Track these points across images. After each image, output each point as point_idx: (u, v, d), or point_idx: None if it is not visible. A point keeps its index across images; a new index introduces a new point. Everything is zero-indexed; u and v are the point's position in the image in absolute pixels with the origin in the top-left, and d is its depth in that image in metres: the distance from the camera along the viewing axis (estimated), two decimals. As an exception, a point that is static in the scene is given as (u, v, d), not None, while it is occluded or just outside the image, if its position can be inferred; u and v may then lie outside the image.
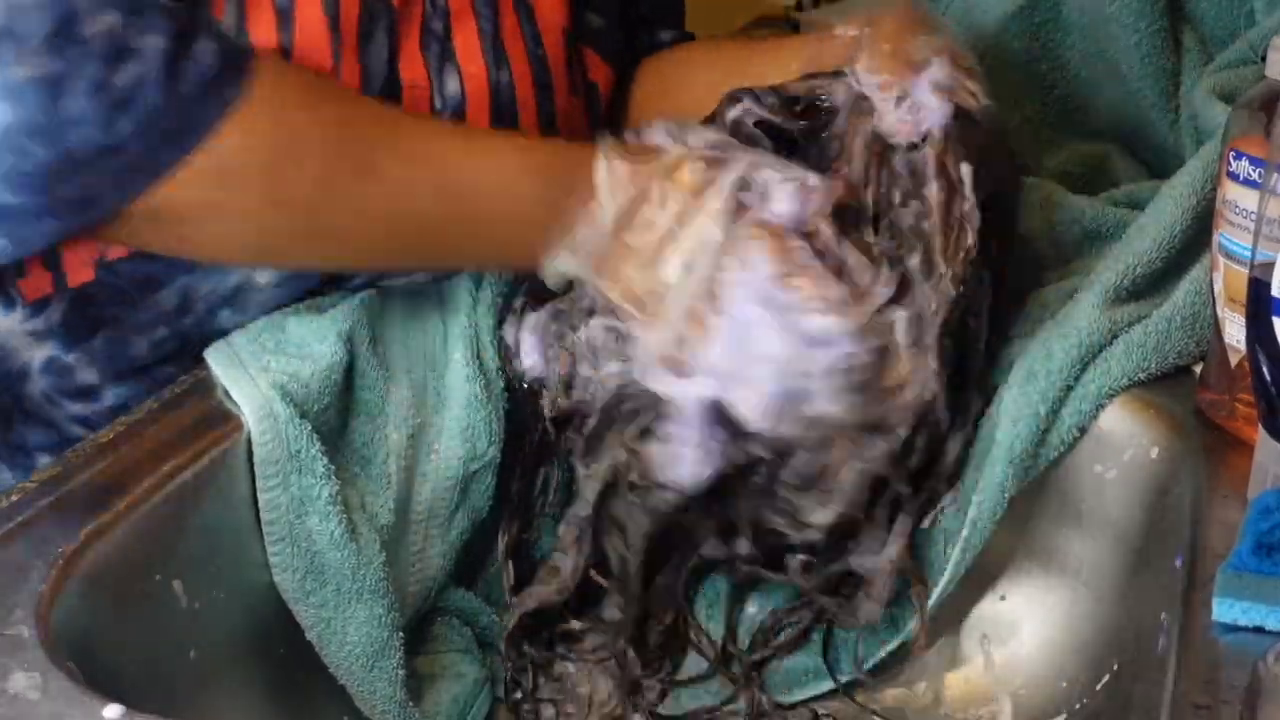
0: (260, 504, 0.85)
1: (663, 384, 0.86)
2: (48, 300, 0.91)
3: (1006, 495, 0.89)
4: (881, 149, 0.92)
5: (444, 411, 0.94)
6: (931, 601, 0.92)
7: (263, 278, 0.91)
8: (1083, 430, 0.90)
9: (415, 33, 0.95)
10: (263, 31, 0.89)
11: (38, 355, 0.93)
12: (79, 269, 0.89)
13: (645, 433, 0.88)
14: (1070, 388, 0.90)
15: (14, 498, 0.79)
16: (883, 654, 0.94)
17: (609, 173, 0.88)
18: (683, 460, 0.87)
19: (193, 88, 0.79)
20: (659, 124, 0.92)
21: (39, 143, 0.77)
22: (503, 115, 0.98)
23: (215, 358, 0.88)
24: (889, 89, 0.93)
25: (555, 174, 0.89)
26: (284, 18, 0.89)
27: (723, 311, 0.85)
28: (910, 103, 0.93)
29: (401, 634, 0.89)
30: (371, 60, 0.93)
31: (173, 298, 0.90)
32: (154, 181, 0.80)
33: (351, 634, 0.87)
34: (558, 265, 0.89)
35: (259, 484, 0.85)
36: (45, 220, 0.80)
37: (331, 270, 0.93)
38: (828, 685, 0.95)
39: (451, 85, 0.96)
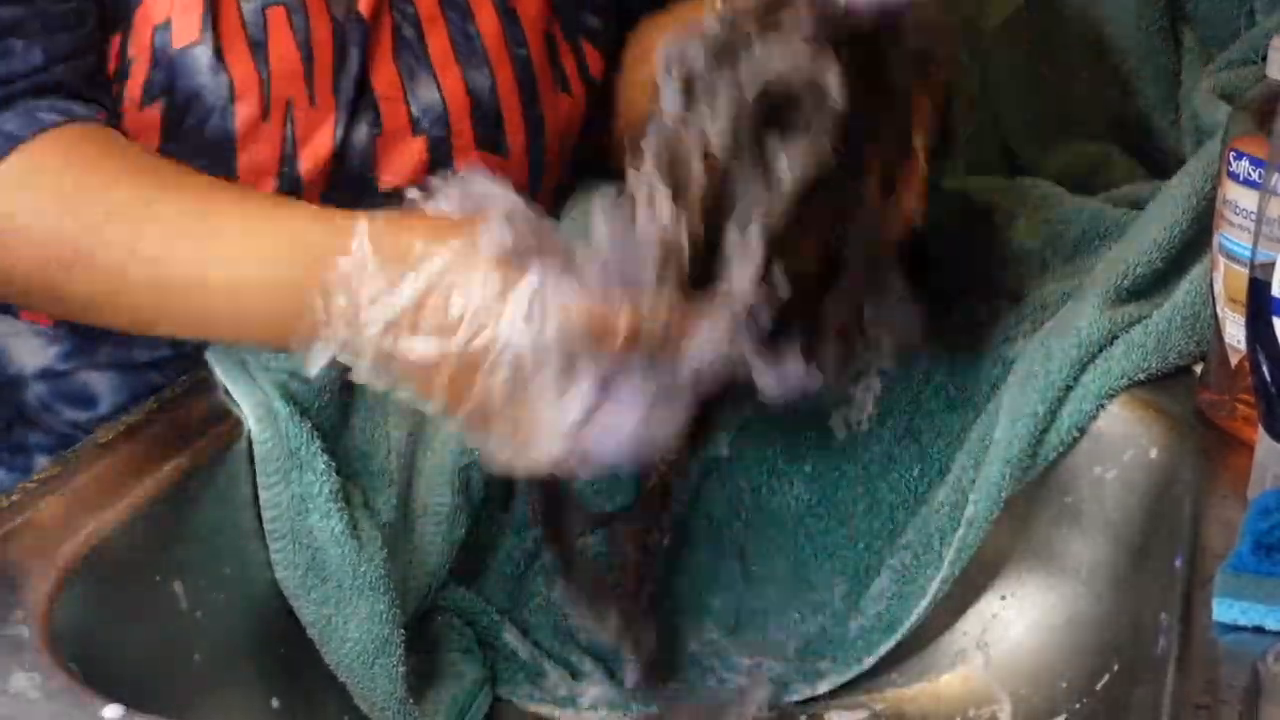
0: (261, 501, 0.85)
1: None
2: (53, 325, 0.91)
3: (1003, 495, 0.89)
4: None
5: (441, 409, 0.95)
6: (926, 601, 0.92)
7: None
8: (1082, 431, 0.90)
9: (388, 43, 0.95)
10: (239, 61, 0.89)
11: (34, 363, 0.93)
12: None
13: None
14: (1069, 388, 0.90)
15: (14, 497, 0.79)
16: (883, 651, 0.94)
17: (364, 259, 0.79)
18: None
19: None
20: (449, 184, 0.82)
21: None
22: (486, 119, 0.98)
23: (215, 356, 0.88)
24: None
25: (296, 259, 0.81)
26: (257, 48, 0.90)
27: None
28: None
29: (403, 631, 0.89)
30: (344, 79, 0.92)
31: None
32: None
33: (353, 631, 0.87)
34: (312, 371, 0.81)
35: (260, 481, 0.85)
36: None
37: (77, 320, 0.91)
38: (827, 686, 0.95)
39: (427, 94, 0.96)
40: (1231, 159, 0.85)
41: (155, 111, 0.90)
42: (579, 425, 0.76)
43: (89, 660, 0.71)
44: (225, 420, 0.86)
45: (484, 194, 0.80)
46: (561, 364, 0.76)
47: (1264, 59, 0.84)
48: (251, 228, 0.83)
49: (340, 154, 0.93)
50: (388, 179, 0.95)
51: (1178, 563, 0.79)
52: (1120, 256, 0.95)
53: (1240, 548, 0.73)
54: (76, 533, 0.76)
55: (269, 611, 0.86)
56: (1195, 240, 0.94)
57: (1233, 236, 0.85)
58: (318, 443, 0.86)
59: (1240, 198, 0.84)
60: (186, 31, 0.89)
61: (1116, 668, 0.88)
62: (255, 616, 0.86)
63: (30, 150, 0.84)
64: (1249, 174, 0.84)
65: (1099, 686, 0.89)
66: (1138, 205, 1.02)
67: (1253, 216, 0.81)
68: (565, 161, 1.06)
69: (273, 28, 0.91)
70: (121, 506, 0.79)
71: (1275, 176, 0.77)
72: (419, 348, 0.77)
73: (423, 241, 0.78)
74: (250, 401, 0.86)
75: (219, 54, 0.90)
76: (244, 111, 0.90)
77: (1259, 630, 0.70)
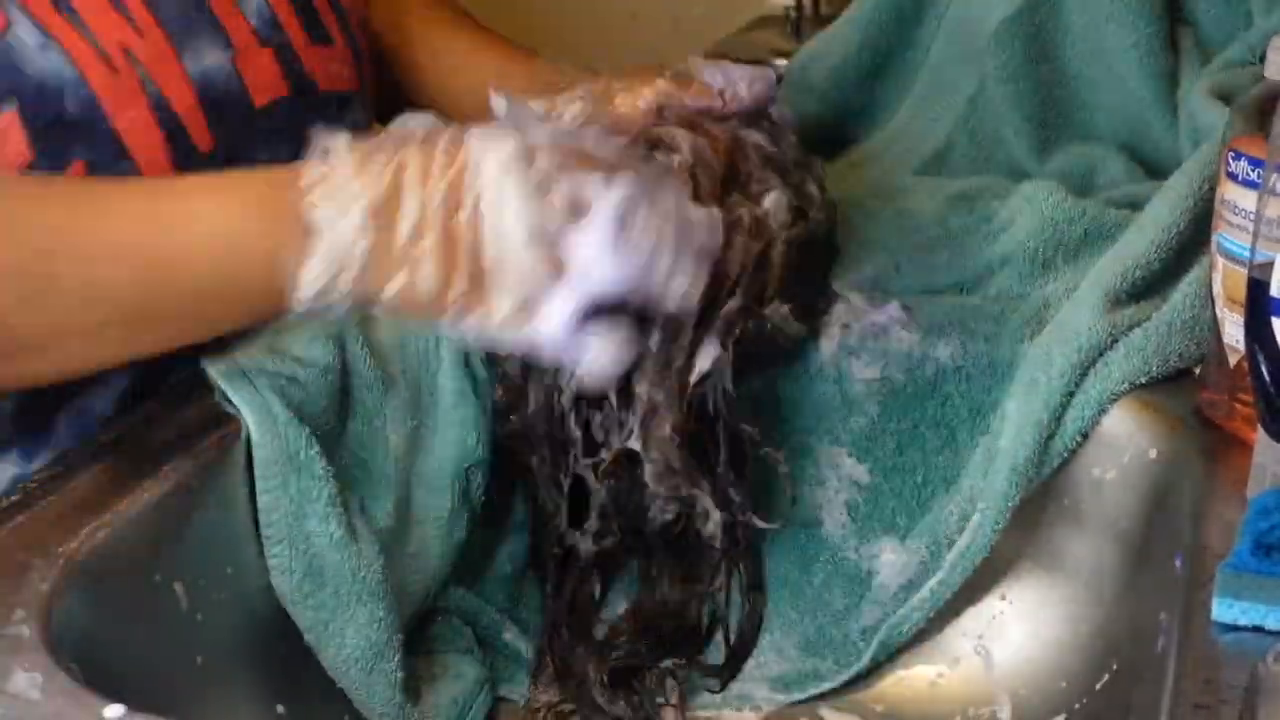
0: (259, 506, 0.85)
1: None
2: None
3: (1010, 505, 0.89)
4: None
5: (437, 412, 0.94)
6: (927, 606, 0.92)
7: None
8: (1085, 436, 0.90)
9: None
10: (57, 27, 0.86)
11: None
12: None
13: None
14: (1071, 394, 0.90)
15: (14, 498, 0.79)
16: (882, 653, 0.94)
17: (330, 176, 0.78)
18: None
19: None
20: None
21: None
22: (305, 11, 0.98)
23: (211, 362, 0.88)
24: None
25: (268, 209, 0.79)
26: (61, 6, 0.87)
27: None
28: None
29: (400, 636, 0.88)
30: (163, 3, 0.91)
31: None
32: None
33: (350, 636, 0.86)
34: (307, 292, 0.78)
35: (258, 485, 0.85)
36: None
37: (73, 371, 0.85)
38: (828, 685, 0.95)
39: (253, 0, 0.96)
40: (1230, 159, 0.85)
41: (12, 116, 0.86)
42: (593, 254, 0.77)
43: (89, 660, 0.71)
44: (225, 422, 0.86)
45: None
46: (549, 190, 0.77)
47: (1262, 60, 0.84)
48: (209, 190, 0.82)
49: (204, 81, 0.91)
50: (259, 97, 0.95)
51: (1177, 563, 0.79)
52: (1118, 259, 0.95)
53: (1240, 547, 0.73)
54: (76, 533, 0.76)
55: (271, 613, 0.86)
56: (1193, 241, 0.94)
57: (1232, 236, 0.85)
58: (316, 446, 0.86)
59: (1239, 198, 0.84)
60: None
61: (1116, 668, 0.88)
62: (256, 617, 0.85)
63: None
64: (1248, 174, 0.84)
65: (1099, 686, 0.89)
66: (1137, 205, 1.02)
67: (1251, 217, 0.81)
68: (373, 52, 1.08)
69: None
70: (122, 506, 0.79)
71: (1274, 177, 0.77)
72: (406, 217, 0.76)
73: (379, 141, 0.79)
74: (249, 405, 0.85)
75: (39, 29, 0.86)
76: (94, 75, 0.87)
77: (1259, 630, 0.70)
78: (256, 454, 0.85)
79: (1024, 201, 1.03)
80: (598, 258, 0.77)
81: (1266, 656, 0.65)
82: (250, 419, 0.85)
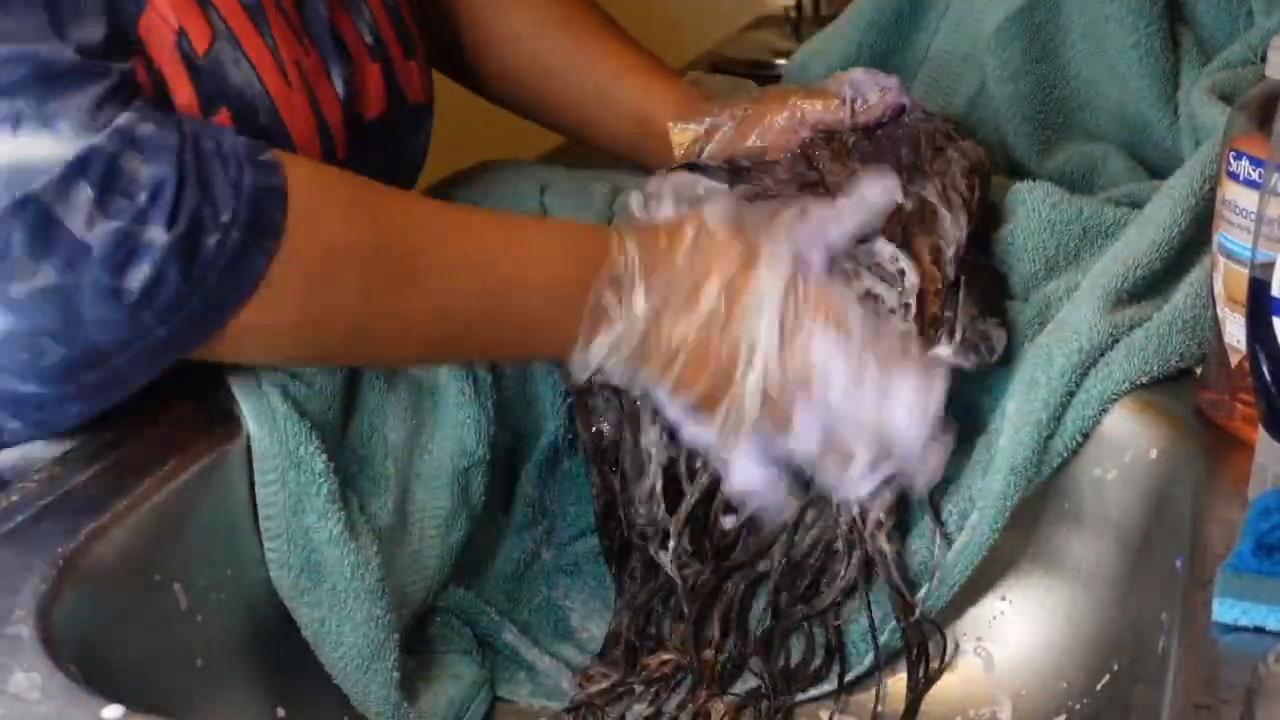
0: (257, 499, 0.85)
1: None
2: None
3: (1009, 505, 0.89)
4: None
5: (437, 411, 0.94)
6: (927, 606, 0.92)
7: None
8: (1085, 436, 0.91)
9: None
10: (249, 41, 0.88)
11: None
12: None
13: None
14: (1072, 394, 0.90)
15: (14, 498, 0.79)
16: (882, 653, 0.94)
17: (627, 254, 0.87)
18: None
19: (213, 270, 0.77)
20: (661, 184, 0.97)
21: (57, 342, 0.76)
22: (399, 23, 0.99)
23: None
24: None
25: (585, 257, 0.87)
26: (256, 14, 0.88)
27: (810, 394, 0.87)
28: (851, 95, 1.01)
29: (397, 635, 0.89)
30: (314, 23, 0.93)
31: None
32: (188, 352, 0.80)
33: (347, 634, 0.87)
34: (590, 360, 0.87)
35: (256, 479, 0.85)
36: (69, 405, 0.80)
37: (377, 367, 0.93)
38: (828, 686, 0.95)
39: (361, 15, 0.96)
40: (1231, 159, 0.85)
41: (226, 116, 0.87)
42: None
43: (89, 660, 0.71)
44: (225, 420, 0.86)
45: (690, 183, 0.95)
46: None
47: (1263, 59, 0.84)
48: (543, 232, 0.92)
49: (343, 96, 0.93)
50: (368, 111, 0.96)
51: (1178, 563, 0.79)
52: (1119, 258, 0.95)
53: (1241, 548, 0.73)
54: (76, 533, 0.76)
55: (269, 612, 0.86)
56: (1193, 240, 0.94)
57: (1232, 236, 0.85)
58: (316, 442, 0.86)
59: (1240, 197, 0.84)
60: (200, 33, 0.87)
61: (1117, 668, 0.88)
62: (255, 617, 0.86)
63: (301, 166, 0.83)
64: (1249, 174, 0.84)
65: (1099, 686, 0.89)
66: (1138, 205, 1.02)
67: (1252, 216, 0.81)
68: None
69: None
70: (121, 506, 0.79)
71: (1275, 176, 0.77)
72: (680, 329, 0.87)
73: (666, 234, 0.88)
74: (249, 399, 0.86)
75: (235, 42, 0.88)
76: (275, 88, 0.89)
77: (1259, 630, 0.70)
78: (255, 448, 0.85)
79: (1021, 202, 1.03)
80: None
81: (1267, 657, 0.65)
82: (249, 412, 0.85)
